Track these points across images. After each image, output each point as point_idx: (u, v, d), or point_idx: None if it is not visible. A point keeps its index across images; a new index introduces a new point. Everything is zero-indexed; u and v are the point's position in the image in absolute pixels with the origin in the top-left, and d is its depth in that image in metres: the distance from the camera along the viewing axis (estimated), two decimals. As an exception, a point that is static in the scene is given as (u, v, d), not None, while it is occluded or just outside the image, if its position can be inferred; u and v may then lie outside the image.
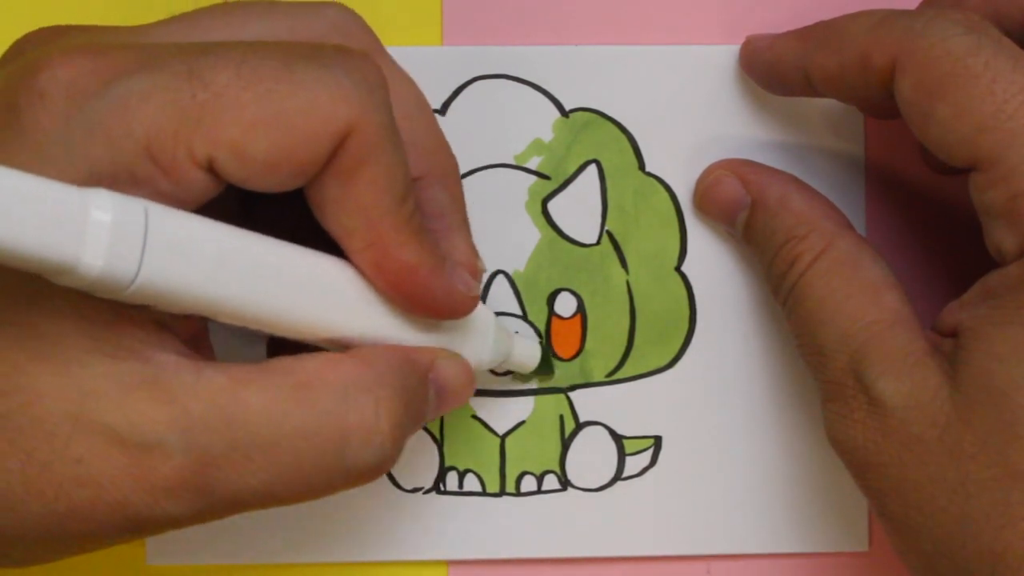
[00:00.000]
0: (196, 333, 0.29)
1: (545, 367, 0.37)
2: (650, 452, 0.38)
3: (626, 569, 0.38)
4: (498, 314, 0.38)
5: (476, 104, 0.38)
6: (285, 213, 0.31)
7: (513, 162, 0.38)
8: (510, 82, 0.38)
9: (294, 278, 0.28)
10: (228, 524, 0.37)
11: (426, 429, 0.38)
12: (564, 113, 0.38)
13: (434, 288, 0.30)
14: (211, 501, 0.27)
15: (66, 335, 0.26)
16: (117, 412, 0.26)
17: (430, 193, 0.32)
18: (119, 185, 0.26)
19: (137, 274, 0.25)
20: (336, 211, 0.28)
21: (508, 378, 0.38)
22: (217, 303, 0.27)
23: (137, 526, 0.27)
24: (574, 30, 0.38)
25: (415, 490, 0.38)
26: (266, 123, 0.26)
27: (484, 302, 0.37)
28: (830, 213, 0.35)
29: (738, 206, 0.36)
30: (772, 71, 0.36)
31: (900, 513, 0.30)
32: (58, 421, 0.26)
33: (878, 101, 0.32)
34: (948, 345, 0.31)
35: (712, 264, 0.38)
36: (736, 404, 0.38)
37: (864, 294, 0.32)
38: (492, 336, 0.34)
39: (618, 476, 0.38)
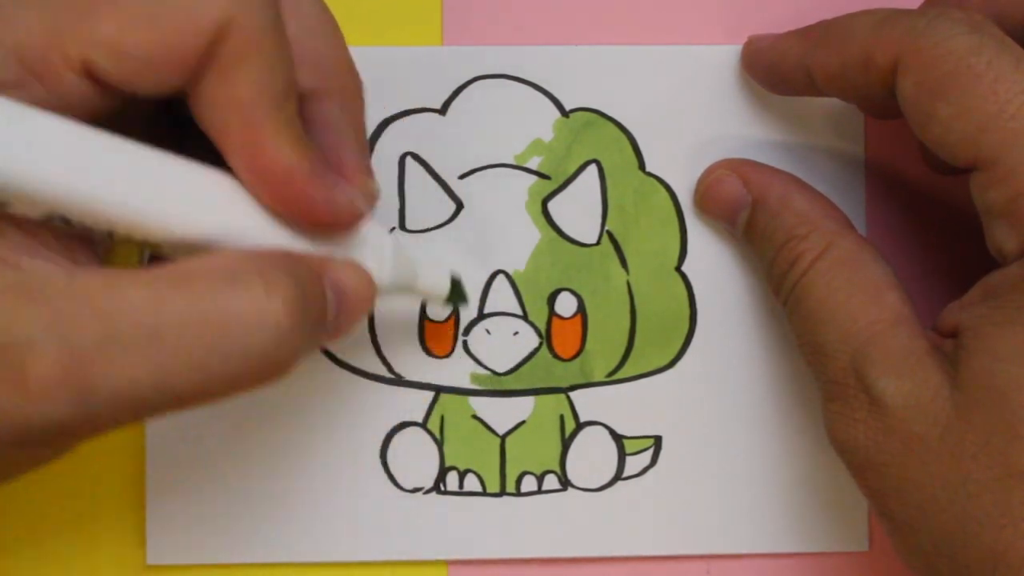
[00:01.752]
0: (71, 242, 0.28)
1: (457, 296, 0.36)
2: (650, 452, 0.38)
3: (626, 569, 0.38)
4: (497, 314, 0.38)
5: (476, 104, 0.38)
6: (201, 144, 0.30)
7: (513, 162, 0.38)
8: (510, 82, 0.38)
9: (163, 179, 0.28)
10: (228, 524, 0.37)
11: (426, 429, 0.38)
12: (564, 113, 0.38)
13: (311, 195, 0.29)
14: (95, 399, 0.25)
15: None
16: None
17: (323, 106, 0.31)
18: None
19: None
20: (213, 109, 0.28)
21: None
22: (74, 200, 0.26)
23: (20, 435, 0.25)
24: (574, 30, 0.38)
25: (415, 490, 0.38)
26: (142, 17, 0.26)
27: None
28: (831, 213, 0.35)
29: (739, 205, 0.36)
30: (774, 70, 0.36)
31: (900, 513, 0.30)
32: None
33: (880, 100, 0.32)
34: (949, 345, 0.31)
35: (712, 264, 0.38)
36: (736, 404, 0.38)
37: (865, 294, 0.32)
38: (389, 256, 0.32)
39: (618, 476, 0.38)
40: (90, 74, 0.27)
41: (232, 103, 0.27)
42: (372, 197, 0.31)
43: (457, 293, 0.36)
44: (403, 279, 0.33)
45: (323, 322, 0.29)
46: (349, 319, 0.30)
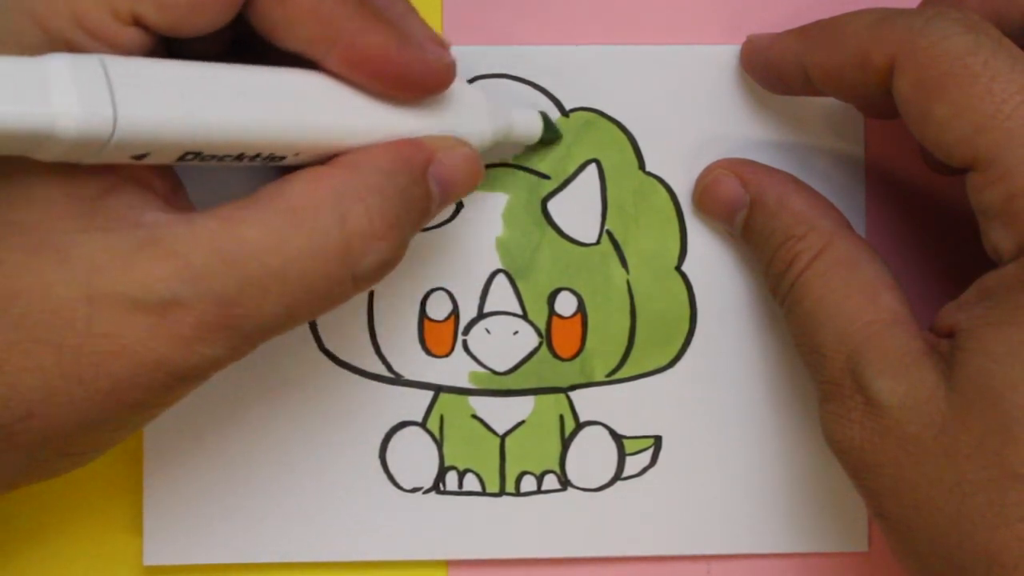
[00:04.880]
0: (173, 190, 0.30)
1: (550, 131, 0.37)
2: (650, 452, 0.38)
3: (626, 569, 0.38)
4: (497, 313, 0.38)
5: (476, 104, 0.38)
6: None
7: (513, 162, 0.38)
8: (510, 82, 0.38)
9: (273, 92, 0.29)
10: (225, 524, 0.37)
11: (426, 429, 0.38)
12: (564, 113, 0.38)
13: (408, 62, 0.30)
14: (242, 335, 0.28)
15: (55, 222, 0.27)
16: (126, 279, 0.27)
17: None
18: None
19: (115, 119, 0.25)
20: (288, 27, 0.29)
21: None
22: (203, 129, 0.27)
23: (182, 377, 0.28)
24: (574, 30, 0.38)
25: (415, 490, 0.38)
26: None
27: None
28: (829, 213, 0.35)
29: (737, 205, 0.36)
30: (772, 69, 0.36)
31: (896, 513, 0.30)
32: (74, 305, 0.27)
33: (877, 100, 0.32)
34: (945, 345, 0.31)
35: (712, 264, 0.38)
36: (736, 404, 0.38)
37: (862, 294, 0.32)
38: (485, 109, 0.34)
39: (618, 476, 0.38)
40: (142, 25, 0.28)
41: (301, 13, 0.29)
42: (448, 48, 0.32)
43: (551, 129, 0.37)
44: (501, 131, 0.35)
45: (427, 216, 0.32)
46: (453, 200, 0.33)
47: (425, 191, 0.31)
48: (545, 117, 0.37)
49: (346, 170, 0.30)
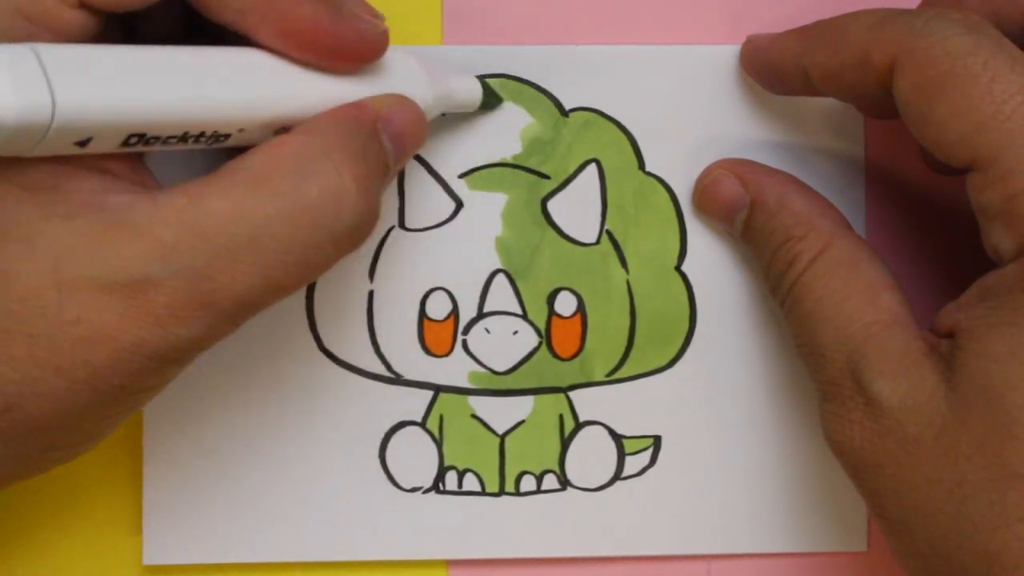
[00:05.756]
0: (137, 173, 0.30)
1: (491, 96, 0.37)
2: (649, 452, 0.38)
3: (626, 569, 0.38)
4: (497, 313, 0.38)
5: (476, 103, 0.38)
6: None
7: (513, 162, 0.38)
8: (510, 82, 0.38)
9: (210, 68, 0.29)
10: (224, 524, 0.37)
11: (425, 429, 0.38)
12: (564, 113, 0.38)
13: (341, 32, 0.30)
14: (220, 311, 0.28)
15: (16, 212, 0.27)
16: (94, 263, 0.27)
17: None
18: None
19: (53, 104, 0.25)
20: (220, 2, 0.29)
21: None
22: (143, 109, 0.27)
23: (161, 359, 0.28)
24: (574, 30, 0.38)
25: (414, 489, 0.38)
26: None
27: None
28: (829, 213, 0.35)
29: (737, 206, 0.36)
30: (772, 69, 0.36)
31: (896, 514, 0.30)
32: (42, 293, 0.27)
33: (877, 100, 0.32)
34: (945, 346, 0.31)
35: (712, 264, 0.38)
36: (736, 404, 0.38)
37: (862, 295, 0.32)
38: (422, 75, 0.34)
39: (617, 476, 0.38)
40: (86, 5, 0.28)
41: None
42: (381, 17, 0.32)
43: (491, 94, 0.37)
44: (441, 93, 0.35)
45: (388, 172, 0.32)
46: (405, 156, 0.33)
47: (380, 146, 0.31)
48: (484, 83, 0.37)
49: (305, 135, 0.30)
